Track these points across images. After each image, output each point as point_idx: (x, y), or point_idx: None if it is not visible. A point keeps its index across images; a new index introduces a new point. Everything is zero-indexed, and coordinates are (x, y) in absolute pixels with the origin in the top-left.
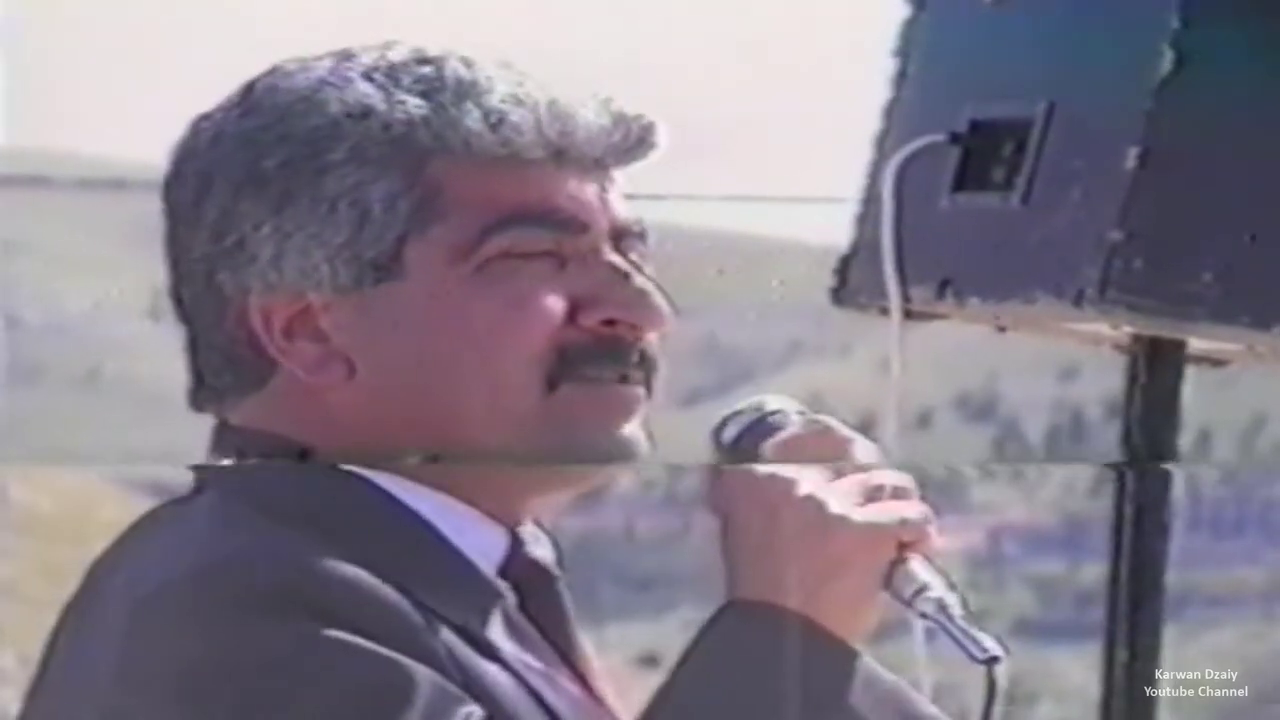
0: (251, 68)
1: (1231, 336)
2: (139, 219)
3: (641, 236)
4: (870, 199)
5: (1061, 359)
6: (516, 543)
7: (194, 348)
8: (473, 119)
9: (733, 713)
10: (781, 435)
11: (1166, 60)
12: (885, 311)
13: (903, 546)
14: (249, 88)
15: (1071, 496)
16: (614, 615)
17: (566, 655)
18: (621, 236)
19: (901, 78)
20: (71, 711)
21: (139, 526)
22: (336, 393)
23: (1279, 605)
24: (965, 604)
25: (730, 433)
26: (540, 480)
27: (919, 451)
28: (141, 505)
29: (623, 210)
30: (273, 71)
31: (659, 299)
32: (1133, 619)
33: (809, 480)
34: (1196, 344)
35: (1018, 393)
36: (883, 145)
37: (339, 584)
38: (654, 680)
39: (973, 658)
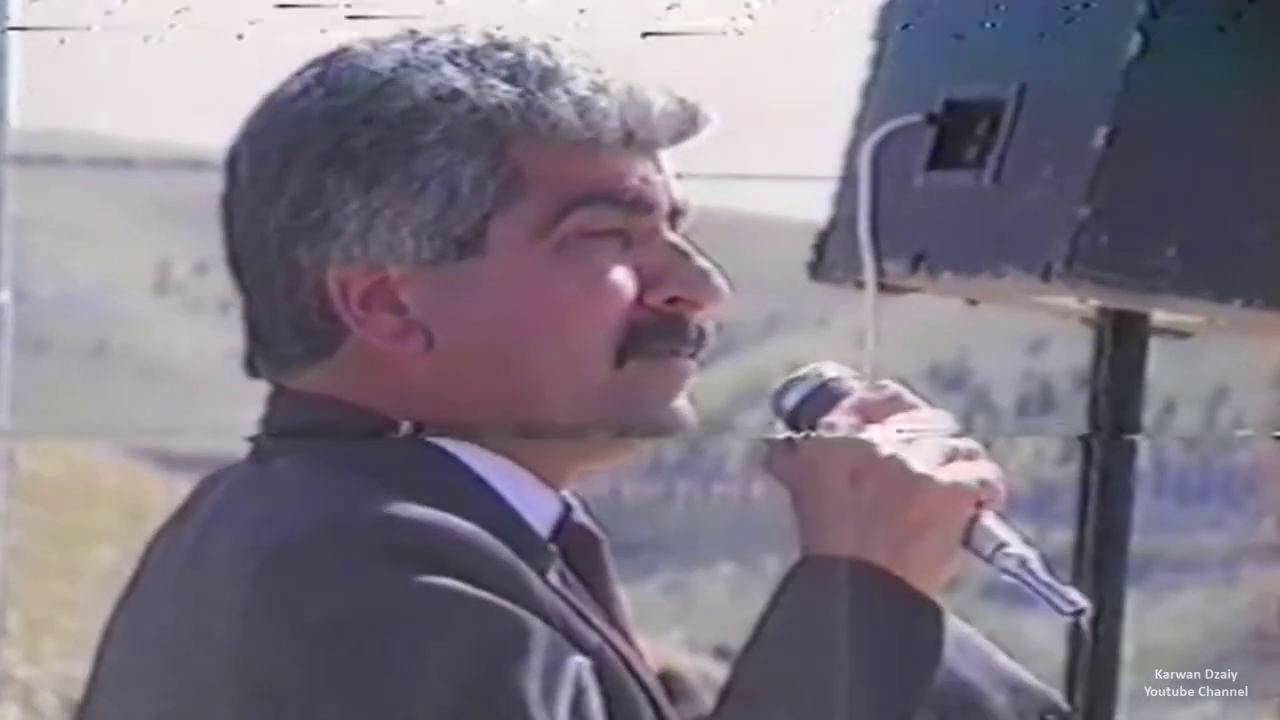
0: (257, 52)
1: (1193, 309)
2: (147, 197)
3: (686, 214)
4: (848, 177)
5: (1031, 332)
6: (567, 507)
7: (257, 316)
8: (561, 105)
9: (823, 664)
10: (852, 399)
11: (1134, 44)
12: (861, 285)
13: (978, 505)
14: (325, 66)
15: (1040, 464)
16: None
17: (610, 615)
18: (676, 216)
19: (879, 59)
20: (187, 672)
21: (211, 490)
22: (411, 363)
23: (1240, 569)
24: (1045, 559)
25: (791, 400)
26: (601, 448)
27: None
28: (144, 474)
29: (677, 190)
30: (345, 52)
31: (718, 278)
32: (1098, 582)
33: (889, 442)
34: (1160, 317)
35: (988, 364)
36: (860, 125)
37: (456, 538)
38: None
39: (1060, 611)
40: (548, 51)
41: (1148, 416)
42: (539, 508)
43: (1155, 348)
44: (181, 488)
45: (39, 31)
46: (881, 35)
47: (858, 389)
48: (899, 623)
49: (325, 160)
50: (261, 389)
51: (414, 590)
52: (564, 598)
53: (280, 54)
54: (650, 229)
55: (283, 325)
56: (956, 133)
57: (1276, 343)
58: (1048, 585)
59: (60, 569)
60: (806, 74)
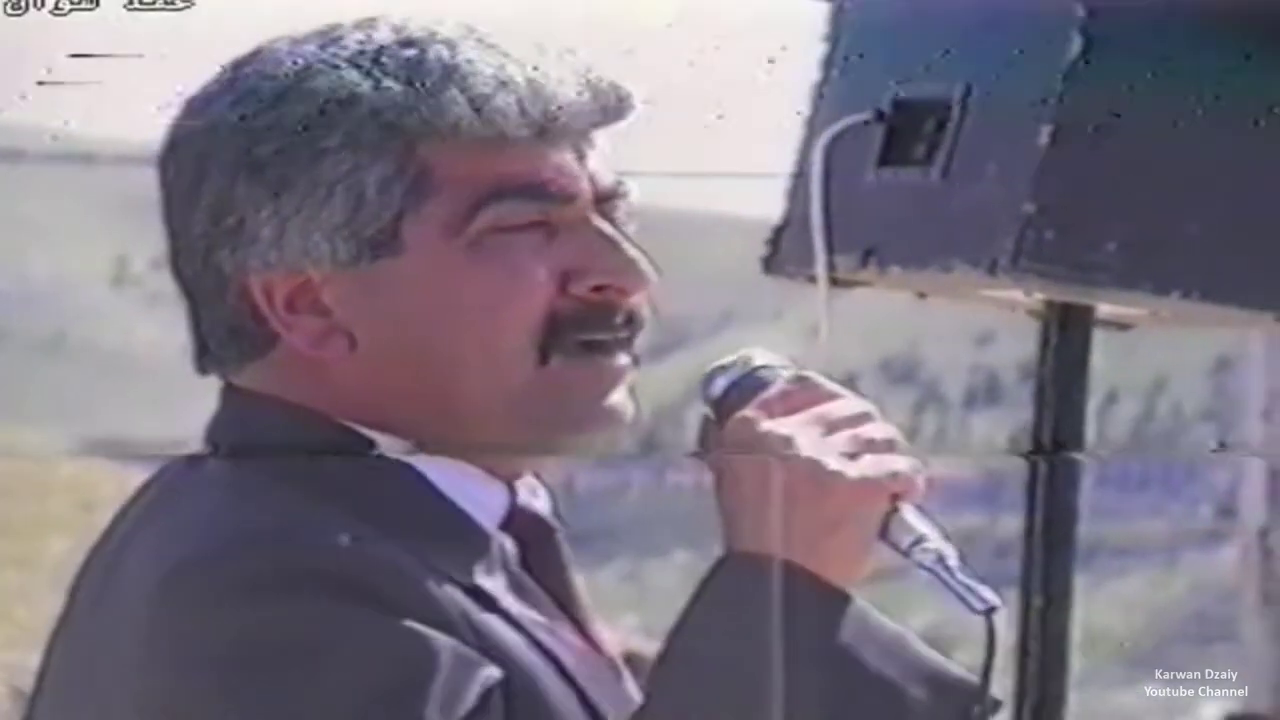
0: (218, 42)
1: (1135, 302)
2: (104, 191)
3: (625, 196)
4: (800, 174)
5: (979, 325)
6: (516, 497)
7: (196, 318)
8: (458, 104)
9: (739, 663)
10: (772, 390)
11: (1075, 45)
12: (813, 279)
13: (895, 497)
14: (236, 71)
15: (990, 453)
16: None
17: (565, 606)
18: (606, 199)
19: (829, 60)
20: (101, 688)
21: (152, 488)
22: (337, 364)
23: (1181, 555)
24: (961, 555)
25: (718, 386)
26: (543, 444)
27: None
28: (99, 466)
29: (605, 174)
30: (257, 54)
31: (644, 263)
32: (1047, 566)
33: (803, 435)
34: (1103, 309)
35: (938, 357)
36: (812, 124)
37: (357, 558)
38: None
39: (971, 609)
40: (451, 48)
41: (1091, 406)
42: (485, 502)
43: (1100, 339)
44: (135, 480)
45: None
46: (832, 37)
47: (783, 378)
48: (813, 618)
49: (235, 168)
50: (217, 383)
51: (308, 614)
52: (486, 599)
53: (238, 50)
54: (574, 218)
55: (219, 327)
56: (905, 131)
57: (1215, 334)
58: (962, 582)
59: (13, 560)
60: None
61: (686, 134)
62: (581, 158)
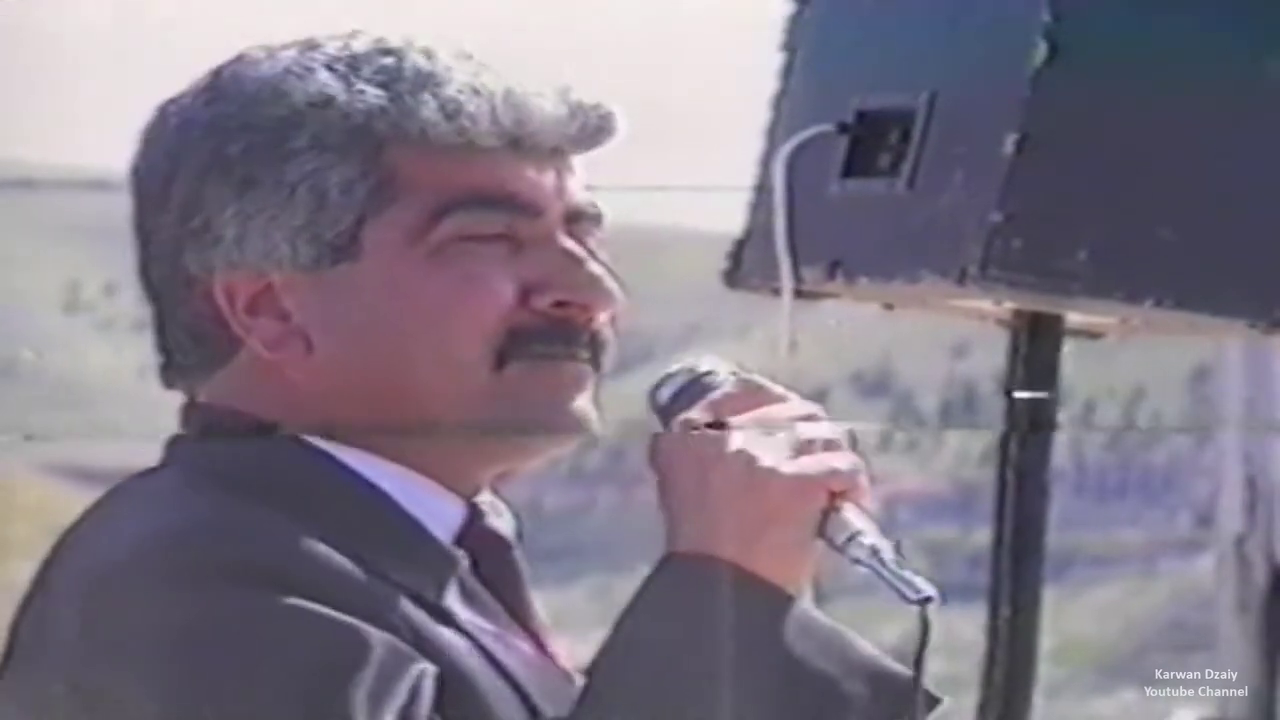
0: (165, 69)
1: (1106, 310)
2: (52, 217)
3: (597, 220)
4: (762, 186)
5: (953, 336)
6: (473, 512)
7: (161, 326)
8: (429, 108)
9: (676, 662)
10: (714, 394)
11: (1040, 51)
12: (777, 292)
13: (835, 495)
14: (216, 74)
15: (964, 465)
16: None
17: (520, 618)
18: (577, 220)
19: (789, 70)
20: (42, 684)
21: (103, 501)
22: (296, 369)
23: (1157, 564)
24: (898, 548)
25: (665, 393)
26: (494, 452)
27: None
28: (60, 489)
29: (579, 195)
30: (239, 59)
31: (609, 282)
32: (1015, 577)
33: (740, 436)
34: (1074, 318)
35: (912, 369)
36: (773, 135)
37: (292, 553)
38: (559, 645)
39: (905, 599)
40: (428, 55)
41: (1066, 417)
42: (440, 514)
43: (1077, 349)
44: None
45: None
46: (791, 46)
47: (728, 384)
48: (748, 616)
49: (205, 168)
50: (173, 406)
51: (241, 605)
52: (427, 604)
53: (184, 74)
54: (540, 232)
55: (182, 334)
56: (869, 141)
57: (1193, 343)
58: (896, 575)
59: None
60: (719, 85)
61: (647, 147)
62: (556, 174)
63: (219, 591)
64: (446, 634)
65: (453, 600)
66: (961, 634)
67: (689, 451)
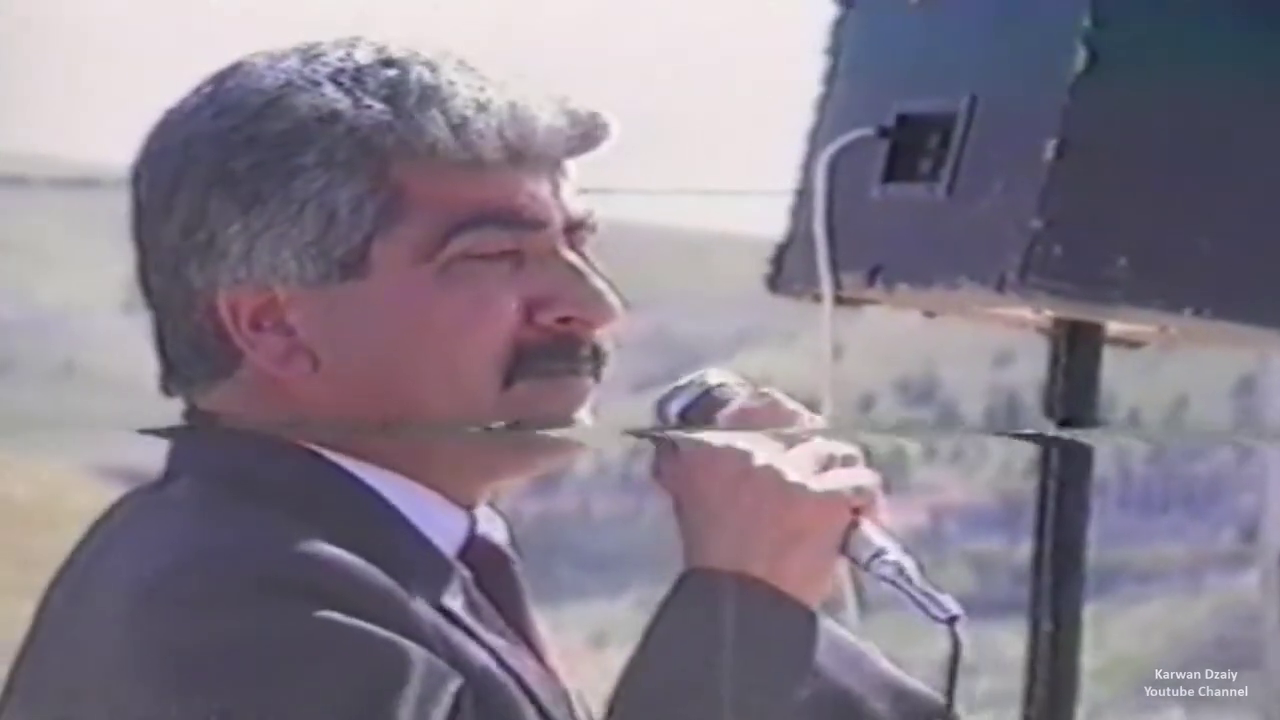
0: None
1: (1146, 319)
2: (112, 217)
3: (592, 229)
4: (804, 191)
5: (997, 345)
6: (475, 525)
7: (162, 335)
8: (437, 125)
9: (704, 679)
10: (732, 407)
11: (1080, 57)
12: (818, 298)
13: (855, 512)
14: (217, 84)
15: (1008, 476)
16: (569, 595)
17: (521, 631)
18: (575, 230)
19: (832, 75)
20: (73, 700)
21: (116, 513)
22: (301, 385)
23: (1202, 579)
24: (921, 566)
25: (676, 407)
26: (498, 466)
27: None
28: (114, 494)
29: (575, 204)
30: (238, 68)
31: (611, 295)
32: (1056, 592)
33: (764, 451)
34: (1114, 326)
35: (956, 377)
36: (815, 139)
37: (331, 567)
38: (607, 659)
39: (934, 618)
40: (432, 69)
41: (1112, 425)
42: (445, 528)
43: (1120, 359)
44: None
45: (1, 56)
46: (834, 50)
47: (740, 397)
48: (775, 632)
49: (209, 182)
50: None
51: (285, 620)
52: (453, 618)
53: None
54: (543, 247)
55: (184, 345)
56: (910, 146)
57: (1237, 353)
58: (923, 592)
59: (27, 590)
60: (764, 90)
61: (694, 152)
62: (555, 186)
63: (257, 608)
64: (469, 645)
65: (463, 614)
66: (1005, 650)
67: (712, 466)
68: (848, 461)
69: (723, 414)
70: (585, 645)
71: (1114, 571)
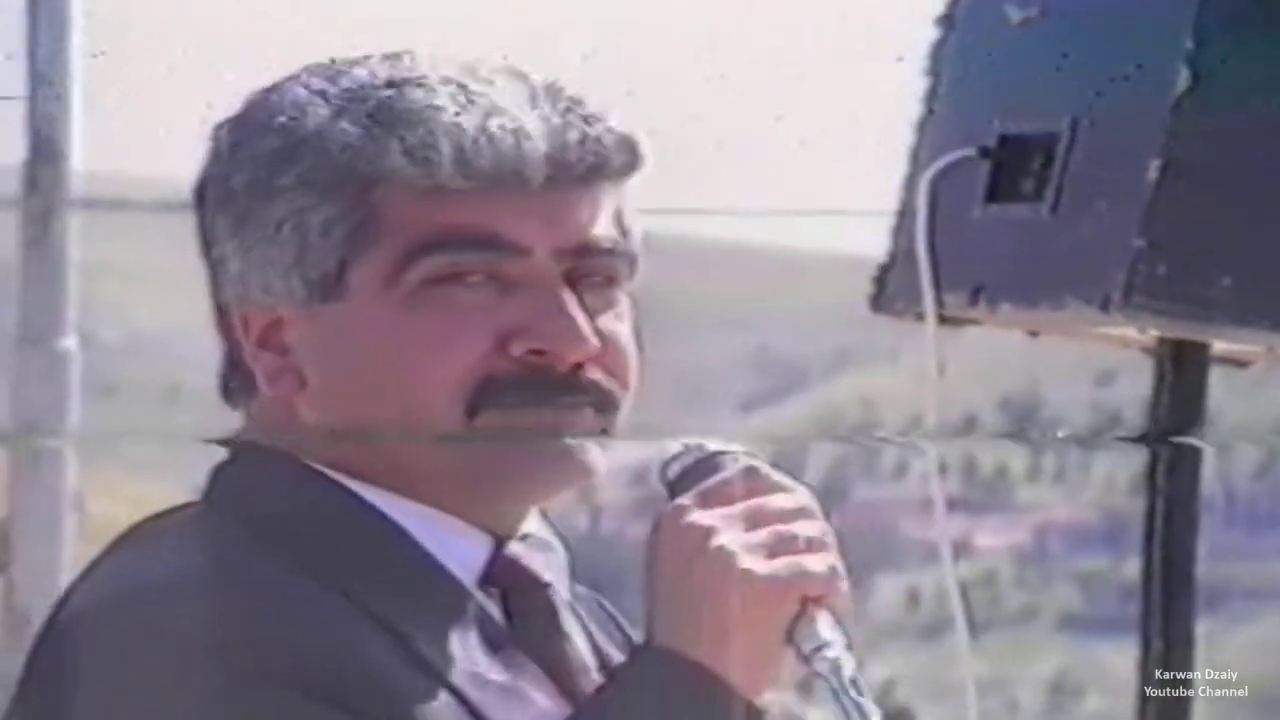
0: None
1: (1251, 338)
2: None
3: (611, 253)
4: (906, 211)
5: (1099, 363)
6: (502, 550)
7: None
8: (394, 151)
9: None
10: (713, 479)
11: (1183, 77)
12: (921, 317)
13: (811, 600)
14: (244, 105)
15: (1113, 494)
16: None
17: (550, 663)
18: (584, 255)
19: (933, 95)
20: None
21: (125, 536)
22: (296, 404)
23: None
24: (859, 668)
25: (673, 471)
26: (499, 488)
27: (963, 454)
28: None
29: (587, 229)
30: (277, 86)
31: (586, 329)
32: (1166, 610)
33: (724, 530)
34: (1220, 346)
35: (1058, 396)
36: (916, 160)
37: (245, 621)
38: None
39: None
40: (428, 89)
41: (1213, 445)
42: (463, 553)
43: (1225, 377)
44: None
45: (101, 76)
46: (935, 71)
47: (732, 468)
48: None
49: (217, 199)
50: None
51: (176, 675)
52: (417, 652)
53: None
54: (528, 273)
55: (225, 360)
56: (1012, 166)
57: None
58: (851, 699)
59: None
60: (866, 110)
61: (796, 171)
62: (551, 210)
63: (150, 659)
64: (423, 684)
65: (457, 644)
66: (1114, 669)
67: (676, 538)
68: (814, 545)
69: (701, 486)
70: None
71: (1223, 589)
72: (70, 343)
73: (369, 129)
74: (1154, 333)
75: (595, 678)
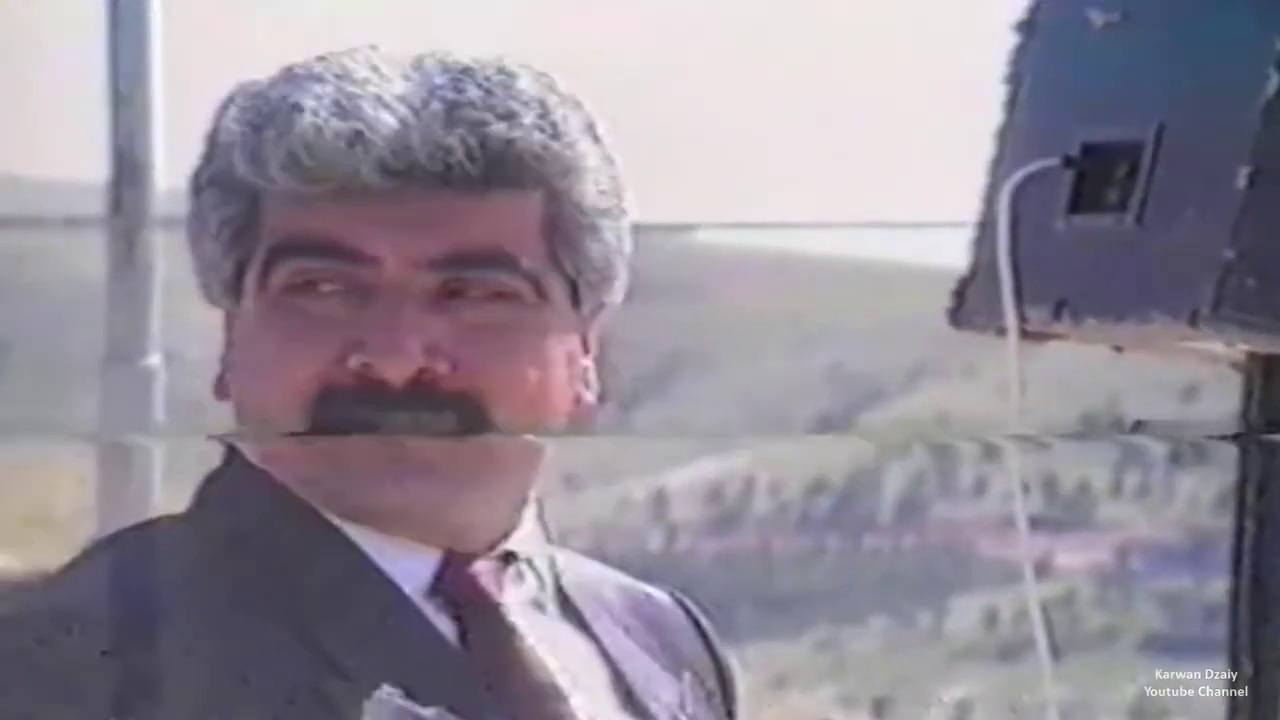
0: None
1: None
2: None
3: (498, 265)
4: (986, 222)
5: (1182, 379)
6: (450, 565)
7: None
8: (265, 153)
9: None
10: None
11: (1272, 83)
12: (1002, 332)
13: None
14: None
15: (1197, 512)
16: (750, 636)
17: (502, 684)
18: (459, 266)
19: (1013, 103)
20: None
21: (88, 548)
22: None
23: None
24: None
25: None
26: (360, 501)
27: (1044, 470)
28: None
29: (462, 239)
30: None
31: (414, 345)
32: (1255, 631)
33: None
34: None
35: (1140, 413)
36: (996, 170)
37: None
38: (788, 700)
39: None
40: (301, 87)
41: None
42: (408, 569)
43: None
44: None
45: (184, 91)
46: (1014, 79)
47: None
48: None
49: (190, 190)
50: None
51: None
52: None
53: None
54: (381, 282)
55: None
56: (1096, 176)
57: None
58: None
59: None
60: (944, 119)
61: (874, 184)
62: (425, 218)
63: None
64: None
65: (379, 662)
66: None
67: None
68: None
69: None
70: (766, 687)
71: None
72: (155, 360)
73: (250, 130)
74: (1243, 347)
75: (578, 702)
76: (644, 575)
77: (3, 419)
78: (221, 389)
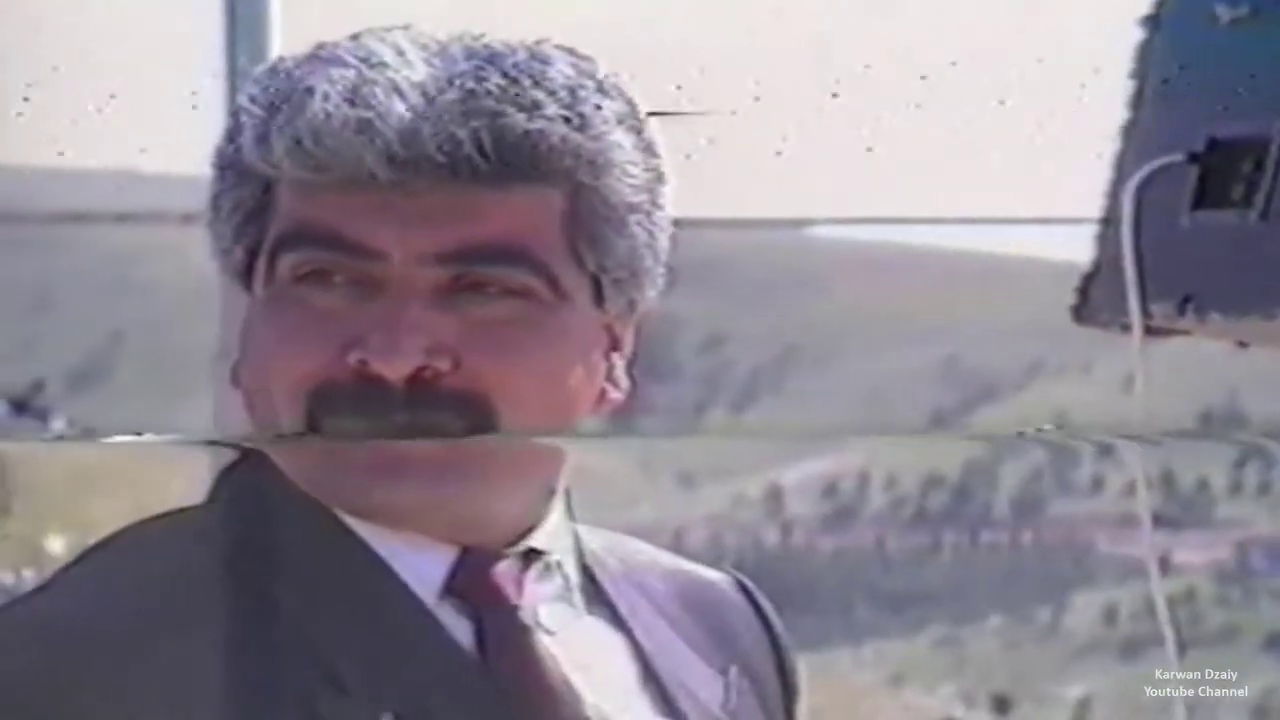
0: None
1: None
2: None
3: (509, 261)
4: (1110, 218)
5: None
6: (465, 564)
7: None
8: (274, 138)
9: None
10: None
11: None
12: (1126, 328)
13: None
14: None
15: None
16: (867, 634)
17: (516, 686)
18: (466, 261)
19: (1138, 99)
20: None
21: (91, 547)
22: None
23: None
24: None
25: None
26: (356, 500)
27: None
28: None
29: (470, 233)
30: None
31: (410, 344)
32: None
33: None
34: None
35: (1262, 409)
36: (1120, 166)
37: (48, 683)
38: (906, 698)
39: None
40: (315, 71)
41: None
42: (420, 570)
43: None
44: None
45: (220, 79)
46: (1140, 74)
47: None
48: None
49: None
50: None
51: None
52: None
53: None
54: (386, 278)
55: None
56: (1221, 171)
57: None
58: None
59: None
60: (1066, 115)
61: (992, 178)
62: (433, 211)
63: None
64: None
65: (374, 668)
66: None
67: None
68: None
69: None
70: (883, 685)
71: None
72: None
73: (263, 112)
74: None
75: (594, 705)
76: (759, 572)
77: (118, 414)
78: (236, 377)
